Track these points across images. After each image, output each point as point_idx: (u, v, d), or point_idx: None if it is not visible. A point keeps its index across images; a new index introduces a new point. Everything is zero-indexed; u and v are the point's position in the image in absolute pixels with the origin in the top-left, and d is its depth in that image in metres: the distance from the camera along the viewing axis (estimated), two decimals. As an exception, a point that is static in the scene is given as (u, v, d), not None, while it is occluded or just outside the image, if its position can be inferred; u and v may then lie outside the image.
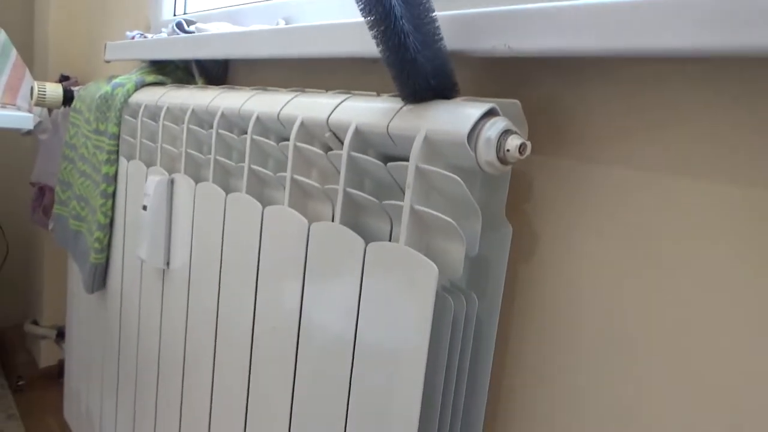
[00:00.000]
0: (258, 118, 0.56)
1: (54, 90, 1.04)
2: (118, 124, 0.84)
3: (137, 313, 0.82)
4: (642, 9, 0.31)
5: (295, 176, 0.51)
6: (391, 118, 0.42)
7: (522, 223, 0.46)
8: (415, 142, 0.39)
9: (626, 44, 0.32)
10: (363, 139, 0.45)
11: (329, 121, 0.47)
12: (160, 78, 0.85)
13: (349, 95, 0.49)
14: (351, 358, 0.44)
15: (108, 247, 0.89)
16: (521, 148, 0.37)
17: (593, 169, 0.41)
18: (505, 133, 0.37)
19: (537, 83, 0.44)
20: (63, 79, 1.36)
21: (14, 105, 1.16)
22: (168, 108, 0.72)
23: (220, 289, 0.61)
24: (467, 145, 0.37)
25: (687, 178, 0.37)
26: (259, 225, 0.54)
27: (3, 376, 1.59)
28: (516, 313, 0.46)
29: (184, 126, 0.67)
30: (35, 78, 1.43)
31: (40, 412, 1.41)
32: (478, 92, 0.48)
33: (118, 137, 0.85)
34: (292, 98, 0.54)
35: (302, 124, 0.50)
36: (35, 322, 1.59)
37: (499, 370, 0.47)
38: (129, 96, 0.83)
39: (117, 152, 0.85)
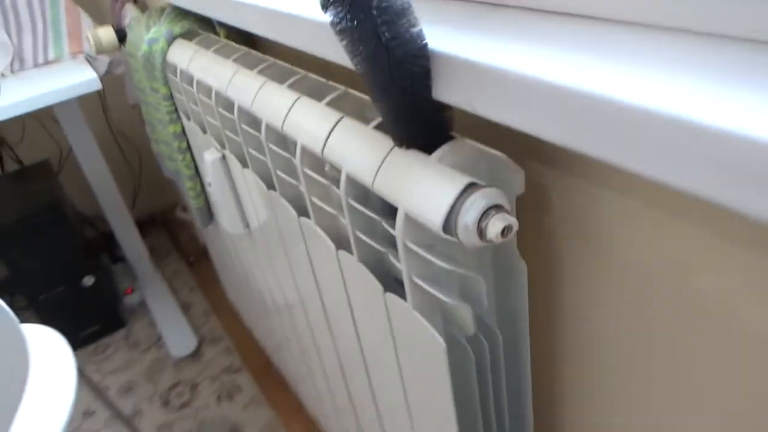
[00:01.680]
0: (268, 126, 0.54)
1: (107, 35, 1.04)
2: (166, 84, 0.84)
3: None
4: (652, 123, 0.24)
5: (313, 199, 0.50)
6: (376, 173, 0.39)
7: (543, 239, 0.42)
8: (397, 221, 0.37)
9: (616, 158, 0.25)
10: (358, 185, 0.42)
11: (324, 154, 0.45)
12: (186, 27, 0.82)
13: (341, 117, 0.44)
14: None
15: (203, 191, 0.96)
16: (504, 232, 0.33)
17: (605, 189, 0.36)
18: (486, 213, 0.33)
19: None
20: None
21: (82, 52, 1.19)
22: (198, 81, 0.71)
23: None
24: (444, 234, 0.34)
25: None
26: (300, 234, 0.56)
27: (177, 254, 1.89)
28: (551, 342, 0.45)
29: (214, 108, 0.66)
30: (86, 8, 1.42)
31: (212, 282, 1.69)
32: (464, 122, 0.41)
33: (170, 96, 0.86)
34: (294, 103, 0.50)
35: (303, 149, 0.48)
36: (184, 209, 1.82)
37: (545, 387, 0.48)
38: (165, 54, 0.82)
39: (176, 110, 0.87)
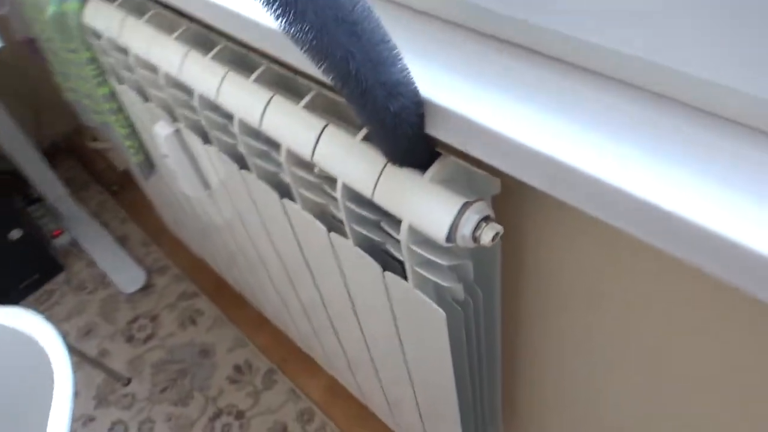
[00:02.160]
0: (241, 122, 0.57)
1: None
2: (89, 49, 0.80)
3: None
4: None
5: (301, 191, 0.55)
6: (375, 185, 0.45)
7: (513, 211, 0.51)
8: (402, 229, 0.44)
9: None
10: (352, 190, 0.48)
11: (314, 158, 0.50)
12: (99, -14, 0.77)
13: (325, 124, 0.49)
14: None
15: (142, 146, 0.96)
16: (494, 237, 0.41)
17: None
18: (480, 224, 0.41)
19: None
20: None
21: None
22: (136, 55, 0.69)
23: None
24: (446, 244, 0.42)
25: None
26: (285, 216, 0.62)
27: (98, 185, 1.83)
28: (516, 293, 0.56)
29: (164, 86, 0.66)
30: None
31: (143, 210, 1.67)
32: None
33: (94, 59, 0.82)
34: (269, 102, 0.53)
35: (289, 151, 0.52)
36: (95, 139, 1.74)
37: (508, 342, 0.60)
38: (79, 15, 0.77)
39: (101, 72, 0.84)
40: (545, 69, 0.37)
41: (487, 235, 0.41)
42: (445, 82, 0.38)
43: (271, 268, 0.86)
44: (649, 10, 0.33)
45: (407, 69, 0.35)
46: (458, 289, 0.48)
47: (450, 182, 0.44)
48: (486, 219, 0.41)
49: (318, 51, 0.32)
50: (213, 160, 0.70)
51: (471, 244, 0.42)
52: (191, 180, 0.79)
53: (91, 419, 1.28)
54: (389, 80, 0.34)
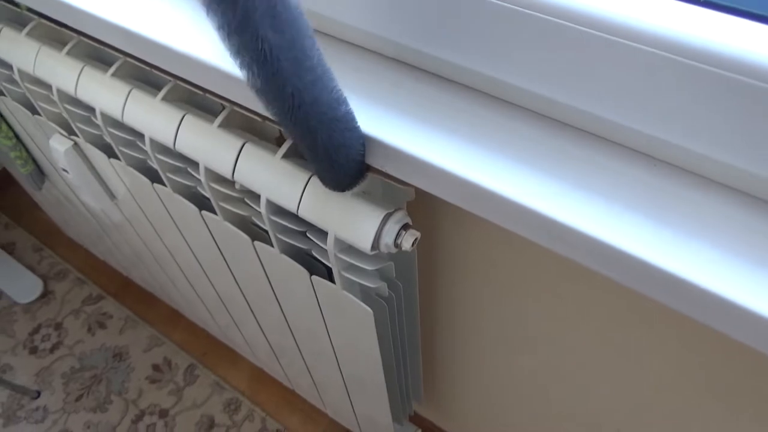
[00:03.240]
0: (153, 141, 0.56)
1: None
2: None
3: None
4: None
5: (222, 204, 0.57)
6: (299, 201, 0.48)
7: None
8: (328, 240, 0.47)
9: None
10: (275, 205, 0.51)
11: (234, 177, 0.51)
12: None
13: (243, 142, 0.50)
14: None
15: (30, 156, 0.90)
16: (414, 243, 0.46)
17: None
18: (400, 232, 0.46)
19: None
20: None
21: None
22: (21, 71, 0.65)
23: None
24: (371, 252, 0.46)
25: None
26: (207, 231, 0.62)
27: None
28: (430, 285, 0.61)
29: (57, 103, 0.64)
30: None
31: (29, 211, 1.56)
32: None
33: (-32, 70, 0.76)
34: (181, 121, 0.53)
35: (207, 169, 0.53)
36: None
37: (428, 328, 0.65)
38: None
39: (-22, 83, 0.78)
40: (464, 98, 0.42)
41: (408, 241, 0.46)
42: (377, 116, 0.41)
43: (188, 270, 0.86)
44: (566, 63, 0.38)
45: (350, 110, 0.38)
46: (383, 287, 0.53)
47: (368, 194, 0.47)
48: (405, 227, 0.46)
49: (269, 93, 0.33)
50: (121, 175, 0.69)
51: (393, 250, 0.46)
52: (95, 192, 0.77)
53: (1, 440, 1.22)
54: (336, 120, 0.37)
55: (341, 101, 0.36)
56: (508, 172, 0.36)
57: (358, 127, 0.39)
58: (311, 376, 0.88)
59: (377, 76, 0.44)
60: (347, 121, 0.38)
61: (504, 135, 0.39)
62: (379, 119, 0.41)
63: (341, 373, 0.74)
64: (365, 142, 0.40)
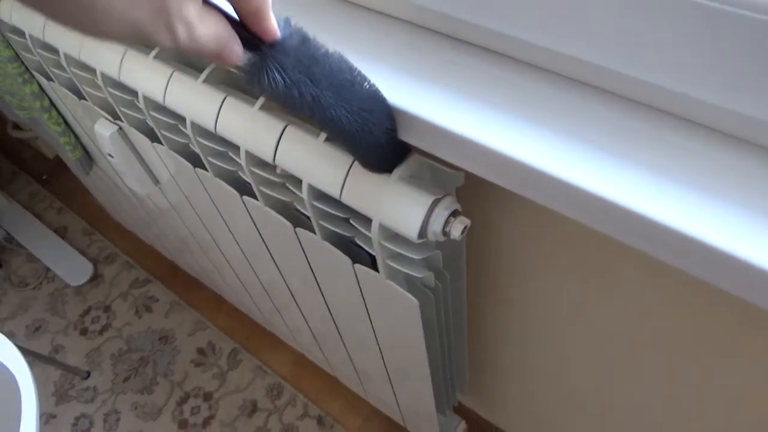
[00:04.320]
0: (194, 124, 0.55)
1: None
2: (9, 46, 0.75)
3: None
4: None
5: (263, 189, 0.55)
6: (342, 186, 0.46)
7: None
8: (372, 228, 0.45)
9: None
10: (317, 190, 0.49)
11: (276, 161, 0.50)
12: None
13: (285, 125, 0.49)
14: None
15: (78, 142, 0.91)
16: (463, 231, 0.43)
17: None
18: (449, 219, 0.43)
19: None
20: None
21: None
22: (68, 56, 0.65)
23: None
24: (418, 240, 0.43)
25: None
26: (248, 217, 0.61)
27: (27, 174, 1.73)
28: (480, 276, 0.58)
29: (102, 87, 0.63)
30: None
31: (80, 197, 1.60)
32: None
33: (17, 57, 0.77)
34: (222, 104, 0.52)
35: (248, 153, 0.52)
36: (16, 127, 1.63)
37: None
38: (-3, 11, 0.72)
39: (26, 69, 0.79)
40: (506, 70, 0.39)
41: (457, 229, 0.43)
42: (414, 90, 0.39)
43: (231, 256, 0.86)
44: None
45: (374, 86, 0.36)
46: (429, 277, 0.50)
47: (416, 178, 0.45)
48: (454, 214, 0.43)
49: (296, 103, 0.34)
50: (164, 159, 0.69)
51: (441, 239, 0.44)
52: (139, 177, 0.77)
53: (53, 416, 1.26)
54: (356, 100, 0.35)
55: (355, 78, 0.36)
56: (568, 154, 0.33)
57: (383, 99, 0.38)
58: (353, 364, 0.87)
59: (424, 53, 0.41)
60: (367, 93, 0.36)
61: (562, 112, 0.35)
62: (426, 97, 0.38)
63: (384, 362, 0.73)
64: (393, 114, 0.38)
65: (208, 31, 0.26)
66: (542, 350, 0.67)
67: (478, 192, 0.52)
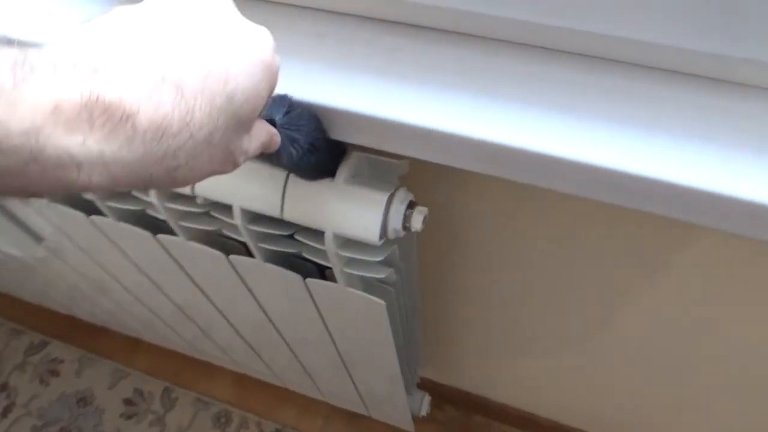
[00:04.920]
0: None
1: None
2: None
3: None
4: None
5: (182, 223, 0.49)
6: (282, 204, 0.41)
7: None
8: (326, 239, 0.41)
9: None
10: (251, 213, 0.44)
11: (195, 191, 0.44)
12: None
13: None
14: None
15: None
16: (423, 220, 0.41)
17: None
18: (407, 212, 0.40)
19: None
20: None
21: None
22: None
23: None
24: (379, 242, 0.40)
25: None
26: (166, 255, 0.54)
27: None
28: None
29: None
30: None
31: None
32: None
33: None
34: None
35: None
36: None
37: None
38: None
39: None
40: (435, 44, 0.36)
41: (417, 220, 0.40)
42: (336, 82, 0.35)
43: (139, 291, 0.77)
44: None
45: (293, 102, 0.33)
46: (390, 274, 0.48)
47: (359, 177, 0.41)
48: (410, 205, 0.40)
49: None
50: (43, 212, 0.59)
51: (402, 234, 0.41)
52: (15, 238, 0.66)
53: None
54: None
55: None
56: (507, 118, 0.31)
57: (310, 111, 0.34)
58: (301, 363, 0.83)
59: (334, 39, 0.37)
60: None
61: (496, 78, 0.33)
62: (353, 87, 0.34)
63: (339, 355, 0.69)
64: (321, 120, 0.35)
65: (257, 144, 0.29)
66: (489, 304, 0.67)
67: (422, 174, 0.50)
